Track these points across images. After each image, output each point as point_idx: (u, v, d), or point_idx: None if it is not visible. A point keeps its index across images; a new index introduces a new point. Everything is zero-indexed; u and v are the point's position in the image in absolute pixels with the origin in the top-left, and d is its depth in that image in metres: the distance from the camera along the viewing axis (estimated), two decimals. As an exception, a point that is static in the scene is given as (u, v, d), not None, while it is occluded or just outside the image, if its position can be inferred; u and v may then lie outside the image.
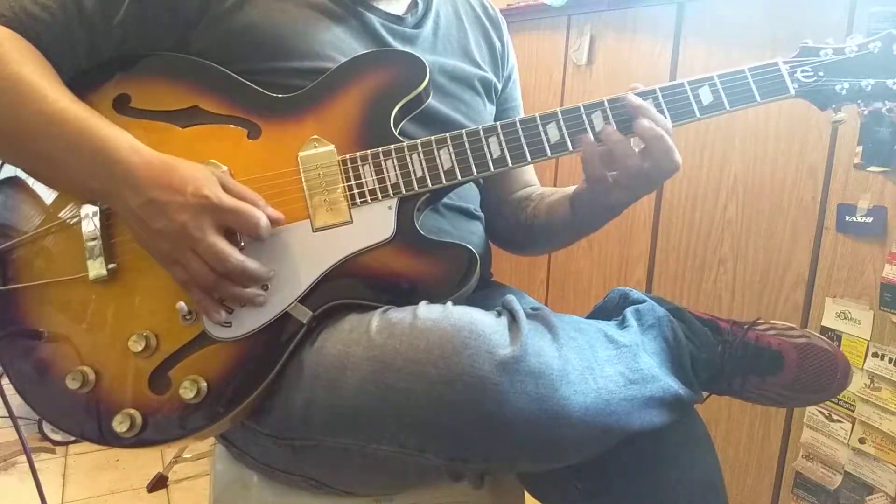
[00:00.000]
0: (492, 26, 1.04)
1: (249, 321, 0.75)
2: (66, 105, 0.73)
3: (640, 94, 0.80)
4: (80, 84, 0.78)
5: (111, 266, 0.76)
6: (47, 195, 0.79)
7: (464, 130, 0.80)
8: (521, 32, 2.20)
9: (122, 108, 0.79)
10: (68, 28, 0.78)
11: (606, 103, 0.80)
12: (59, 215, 0.78)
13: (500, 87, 1.04)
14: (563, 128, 0.80)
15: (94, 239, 0.75)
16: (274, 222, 0.74)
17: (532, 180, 1.08)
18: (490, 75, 1.00)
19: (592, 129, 0.80)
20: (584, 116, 0.80)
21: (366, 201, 0.78)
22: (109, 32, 0.79)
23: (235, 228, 0.72)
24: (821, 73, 0.81)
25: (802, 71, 0.81)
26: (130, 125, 0.77)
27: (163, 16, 0.80)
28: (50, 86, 0.74)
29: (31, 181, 0.80)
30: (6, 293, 0.77)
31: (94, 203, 0.77)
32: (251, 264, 0.73)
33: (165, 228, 0.70)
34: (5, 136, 0.74)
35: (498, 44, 1.04)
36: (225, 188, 0.72)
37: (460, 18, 1.00)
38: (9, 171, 0.81)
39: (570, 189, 0.92)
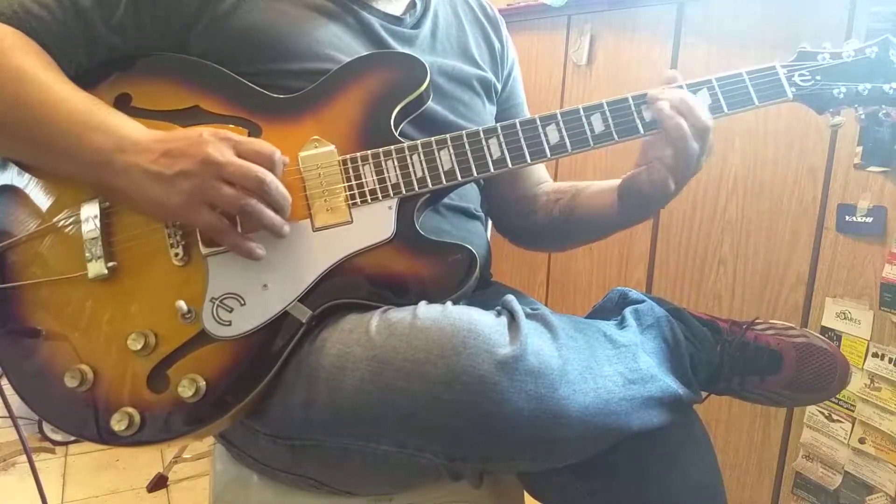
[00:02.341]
0: (490, 26, 1.04)
1: (249, 320, 0.75)
2: (70, 94, 0.74)
3: (638, 97, 0.80)
4: (81, 83, 0.78)
5: (111, 265, 0.76)
6: (47, 194, 0.79)
7: (464, 132, 0.80)
8: (521, 32, 2.20)
9: (122, 107, 0.79)
10: (67, 27, 0.78)
11: (606, 105, 0.80)
12: (59, 214, 0.78)
13: (500, 86, 1.04)
14: (563, 129, 0.80)
15: (94, 237, 0.75)
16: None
17: (544, 176, 1.08)
18: (489, 75, 1.00)
19: (591, 130, 0.80)
20: (584, 118, 0.80)
21: (366, 201, 0.79)
22: (107, 32, 0.80)
23: (252, 158, 0.72)
24: (818, 77, 0.81)
25: (800, 75, 0.81)
26: None
27: (160, 17, 0.80)
28: (53, 76, 0.75)
29: (30, 181, 0.80)
30: (5, 291, 0.77)
31: (94, 200, 0.77)
32: (274, 179, 0.72)
33: (187, 167, 0.70)
34: (10, 126, 0.75)
35: (497, 43, 1.04)
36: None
37: (459, 18, 1.01)
38: (6, 178, 0.81)
39: (611, 182, 0.91)
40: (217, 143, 0.71)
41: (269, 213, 0.72)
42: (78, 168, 0.75)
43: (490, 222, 1.09)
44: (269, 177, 0.71)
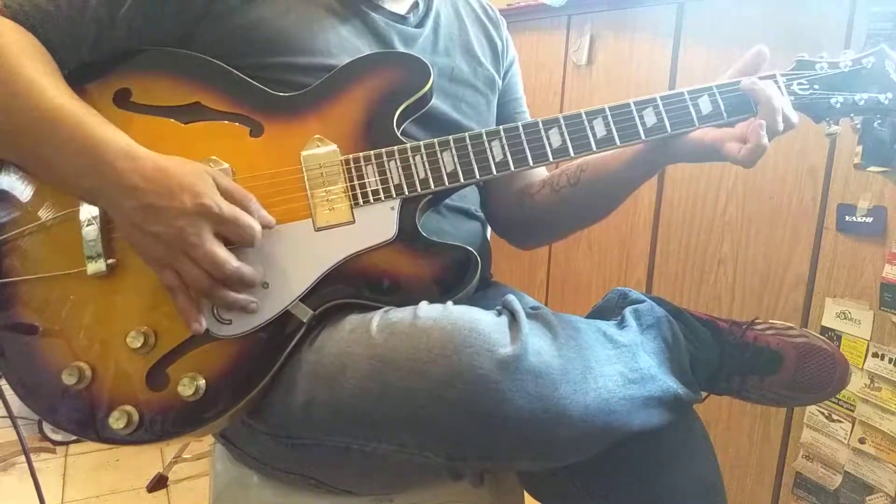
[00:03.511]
0: (492, 25, 1.05)
1: (249, 319, 0.75)
2: (62, 102, 0.72)
3: (640, 102, 0.80)
4: (82, 77, 0.78)
5: (110, 262, 0.76)
6: (46, 190, 0.78)
7: (466, 133, 0.80)
8: (521, 32, 2.20)
9: (122, 102, 0.79)
10: (73, 21, 0.78)
11: (608, 110, 0.80)
12: (58, 210, 0.77)
13: (500, 83, 1.04)
14: (566, 133, 0.80)
15: (93, 234, 0.75)
16: (266, 227, 0.74)
17: (540, 170, 1.07)
18: (492, 72, 1.01)
19: (594, 135, 0.80)
20: (586, 123, 0.80)
21: (368, 201, 0.79)
22: (114, 26, 0.79)
23: (230, 238, 0.72)
24: (816, 87, 0.82)
25: (799, 84, 0.82)
26: (131, 120, 0.77)
27: (167, 12, 0.80)
28: (48, 81, 0.73)
29: (29, 177, 0.79)
30: (2, 288, 0.77)
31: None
32: (247, 269, 0.72)
33: (162, 233, 0.69)
34: (1, 130, 0.74)
35: (498, 41, 1.05)
36: (220, 189, 0.72)
37: (461, 17, 1.01)
38: (5, 173, 0.80)
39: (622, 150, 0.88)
40: (195, 218, 0.69)
41: (228, 295, 0.73)
42: (64, 185, 0.75)
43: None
44: (229, 267, 0.71)
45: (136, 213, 0.70)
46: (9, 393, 0.78)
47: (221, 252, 0.70)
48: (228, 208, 0.71)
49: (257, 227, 0.72)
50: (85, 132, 0.71)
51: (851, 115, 0.83)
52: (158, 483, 1.96)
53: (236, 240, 0.72)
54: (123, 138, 0.73)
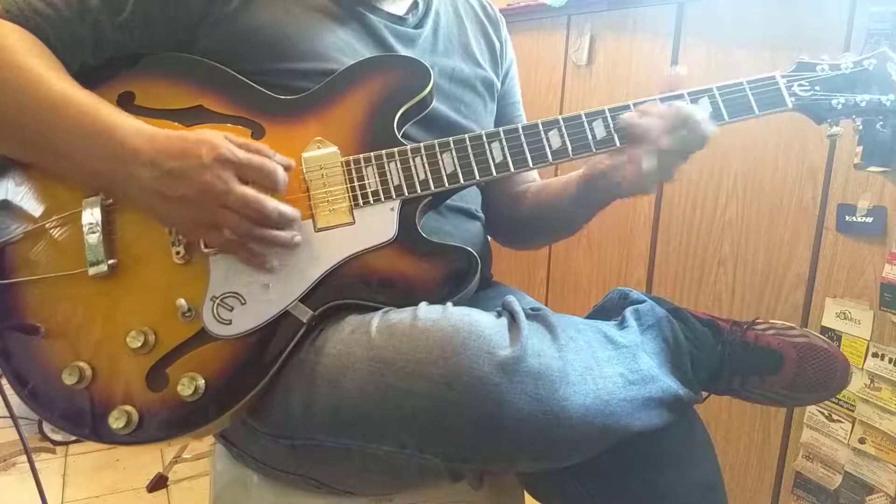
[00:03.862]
0: (491, 25, 1.05)
1: (249, 320, 0.75)
2: (70, 91, 0.74)
3: (639, 104, 0.81)
4: (85, 81, 0.78)
5: (111, 262, 0.76)
6: (48, 190, 0.79)
7: (466, 135, 0.80)
8: (521, 32, 2.20)
9: (126, 105, 0.79)
10: (73, 25, 0.78)
11: (608, 112, 0.81)
12: (60, 211, 0.78)
13: (499, 85, 1.04)
14: (565, 135, 0.80)
15: (94, 234, 0.75)
16: (286, 168, 0.74)
17: (533, 175, 1.09)
18: (490, 74, 1.01)
19: (594, 136, 0.80)
20: (586, 124, 0.80)
21: (368, 202, 0.79)
22: (114, 30, 0.79)
23: (254, 178, 0.72)
24: (817, 88, 0.83)
25: (800, 85, 0.82)
26: None
27: (168, 15, 0.80)
28: (54, 74, 0.74)
29: (32, 177, 0.79)
30: (4, 288, 0.77)
31: (95, 197, 0.76)
32: (284, 206, 0.73)
33: (189, 193, 0.70)
34: (10, 125, 0.74)
35: (497, 43, 1.05)
36: (234, 142, 0.72)
37: (460, 18, 1.01)
38: (7, 173, 0.80)
39: (572, 176, 0.93)
40: (217, 167, 0.70)
41: (273, 234, 0.73)
42: (77, 172, 0.75)
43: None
44: (269, 204, 0.71)
45: (159, 182, 0.70)
46: (10, 393, 0.78)
47: (253, 192, 0.71)
48: (245, 154, 0.71)
49: (278, 168, 0.72)
50: (96, 117, 0.73)
51: (853, 116, 0.83)
52: (158, 483, 1.96)
53: (261, 180, 0.72)
54: (133, 119, 0.74)
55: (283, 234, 0.74)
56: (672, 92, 0.81)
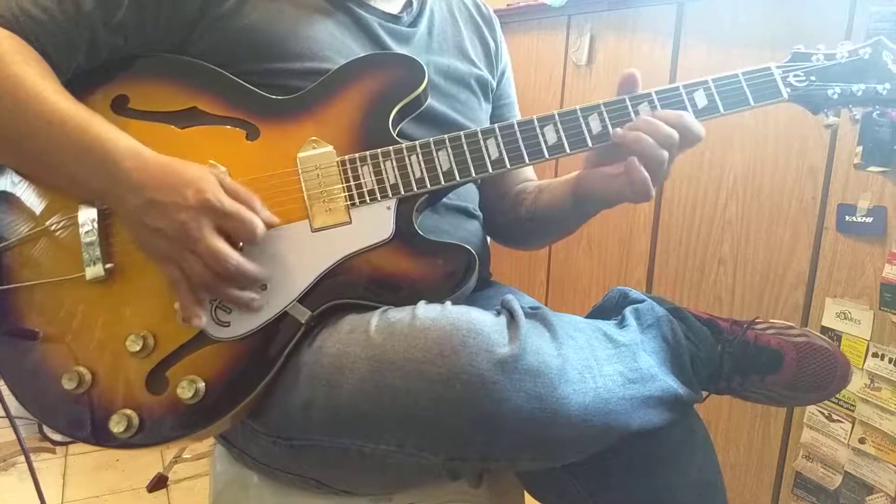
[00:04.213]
0: (485, 25, 1.05)
1: (248, 321, 0.75)
2: (65, 106, 0.73)
3: (635, 98, 0.80)
4: (79, 84, 0.78)
5: (109, 266, 0.76)
6: (44, 195, 0.78)
7: (462, 132, 0.80)
8: (521, 32, 2.20)
9: (120, 108, 0.79)
10: (67, 30, 0.77)
11: (602, 107, 0.80)
12: (56, 215, 0.77)
13: (494, 85, 1.04)
14: (561, 130, 0.80)
15: (91, 239, 0.75)
16: (269, 226, 0.74)
17: (530, 175, 1.09)
18: (485, 73, 1.01)
19: (589, 131, 0.80)
20: (581, 119, 0.80)
21: (364, 202, 0.78)
22: (108, 33, 0.79)
23: (232, 234, 0.72)
24: (813, 78, 0.82)
25: (795, 75, 0.82)
26: (128, 126, 0.77)
27: (161, 18, 0.80)
28: (50, 87, 0.74)
29: (28, 183, 0.79)
30: (2, 294, 0.77)
31: (92, 203, 0.76)
32: (249, 266, 0.72)
33: (165, 228, 0.70)
34: (4, 137, 0.74)
35: (492, 42, 1.05)
36: (223, 187, 0.72)
37: (454, 17, 1.01)
38: (3, 180, 0.80)
39: (570, 178, 0.92)
40: (197, 212, 0.69)
41: (229, 291, 0.73)
42: (71, 186, 0.75)
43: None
44: (232, 263, 0.71)
45: (141, 210, 0.70)
46: (7, 394, 0.78)
47: (223, 247, 0.70)
48: (230, 203, 0.71)
49: (259, 222, 0.72)
50: (90, 134, 0.72)
51: (849, 105, 0.83)
52: (158, 483, 1.96)
53: (239, 235, 0.72)
54: (128, 138, 0.73)
55: (242, 294, 0.73)
56: (638, 92, 0.81)
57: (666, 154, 0.77)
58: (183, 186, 0.70)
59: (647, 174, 0.77)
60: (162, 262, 0.73)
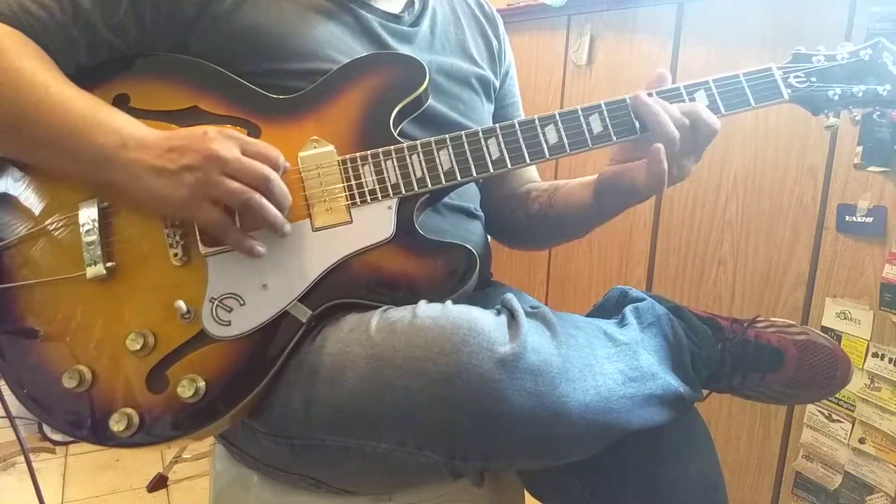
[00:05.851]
0: (488, 24, 1.05)
1: (248, 320, 0.75)
2: (68, 93, 0.74)
3: (635, 97, 0.80)
4: (79, 83, 0.78)
5: (109, 265, 0.76)
6: (45, 194, 0.79)
7: (463, 132, 0.80)
8: (521, 32, 2.20)
9: (121, 107, 0.79)
10: (66, 27, 0.78)
11: (604, 106, 0.80)
12: (56, 214, 0.77)
13: (497, 84, 1.04)
14: (562, 130, 0.80)
15: (92, 238, 0.75)
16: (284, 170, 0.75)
17: (534, 176, 1.09)
18: (488, 73, 1.01)
19: (590, 131, 0.80)
20: (582, 119, 0.80)
21: (365, 201, 0.79)
22: (108, 32, 0.79)
23: (256, 158, 0.73)
24: (813, 79, 0.82)
25: (796, 76, 0.82)
26: None
27: (161, 16, 0.80)
28: (51, 76, 0.75)
29: (28, 181, 0.79)
30: (2, 292, 0.77)
31: (91, 200, 0.76)
32: (283, 164, 0.75)
33: (192, 162, 0.71)
34: (8, 127, 0.74)
35: (495, 41, 1.04)
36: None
37: (457, 16, 1.01)
38: (4, 178, 0.80)
39: (588, 178, 0.92)
40: (222, 139, 0.72)
41: (273, 209, 0.73)
42: (78, 166, 0.75)
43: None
44: (272, 174, 0.72)
45: (161, 158, 0.72)
46: (7, 394, 0.78)
47: (253, 161, 0.72)
48: (248, 139, 0.74)
49: (279, 154, 0.74)
50: (99, 115, 0.74)
51: (850, 106, 0.83)
52: (158, 483, 1.96)
53: (262, 158, 0.73)
54: (134, 120, 0.75)
55: (279, 214, 0.74)
56: (662, 87, 0.81)
57: (677, 134, 0.77)
58: (195, 130, 0.73)
59: (665, 164, 0.76)
60: (194, 202, 0.72)
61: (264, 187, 0.72)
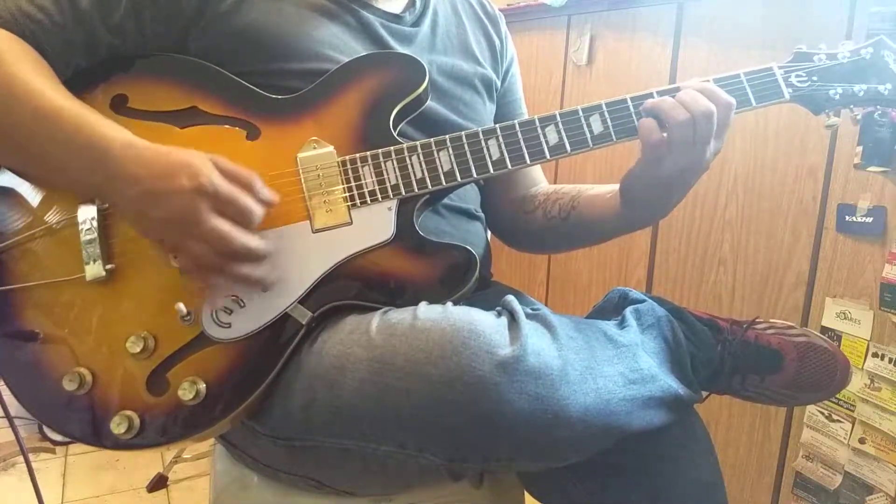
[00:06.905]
0: (490, 23, 1.04)
1: (249, 322, 0.75)
2: (61, 103, 0.73)
3: (636, 97, 0.80)
4: (78, 83, 0.78)
5: (109, 267, 0.75)
6: (44, 195, 0.78)
7: (463, 133, 0.80)
8: (521, 32, 2.20)
9: (119, 108, 0.79)
10: (65, 29, 0.77)
11: (604, 106, 0.80)
12: (56, 216, 0.77)
13: (499, 83, 1.04)
14: (562, 130, 0.80)
15: (91, 239, 0.75)
16: (269, 205, 0.73)
17: (540, 178, 1.08)
18: (490, 72, 1.00)
19: (591, 132, 0.80)
20: (583, 119, 0.80)
21: (365, 202, 0.78)
22: (107, 33, 0.79)
23: (229, 217, 0.70)
24: (815, 79, 0.82)
25: (797, 76, 0.82)
26: (128, 125, 0.76)
27: (160, 18, 0.80)
28: (45, 84, 0.74)
29: (27, 183, 0.79)
30: (1, 294, 0.77)
31: (91, 202, 0.76)
32: (253, 241, 0.71)
33: (165, 216, 0.69)
34: (1, 134, 0.74)
35: (497, 40, 1.04)
36: (220, 169, 0.71)
37: (459, 16, 1.00)
38: (2, 180, 0.80)
39: (613, 186, 0.90)
40: (192, 197, 0.68)
41: (239, 270, 0.72)
42: (69, 183, 0.75)
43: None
44: (237, 242, 0.70)
45: (139, 201, 0.70)
46: (7, 394, 0.78)
47: (224, 226, 0.69)
48: (226, 187, 0.70)
49: (255, 207, 0.71)
50: (86, 129, 0.72)
51: (851, 106, 0.83)
52: (158, 483, 1.96)
53: (236, 219, 0.71)
54: (123, 131, 0.73)
55: (250, 273, 0.73)
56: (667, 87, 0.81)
57: (687, 115, 0.76)
58: (177, 172, 0.69)
59: (658, 133, 0.76)
60: (170, 252, 0.72)
61: (234, 256, 0.71)
